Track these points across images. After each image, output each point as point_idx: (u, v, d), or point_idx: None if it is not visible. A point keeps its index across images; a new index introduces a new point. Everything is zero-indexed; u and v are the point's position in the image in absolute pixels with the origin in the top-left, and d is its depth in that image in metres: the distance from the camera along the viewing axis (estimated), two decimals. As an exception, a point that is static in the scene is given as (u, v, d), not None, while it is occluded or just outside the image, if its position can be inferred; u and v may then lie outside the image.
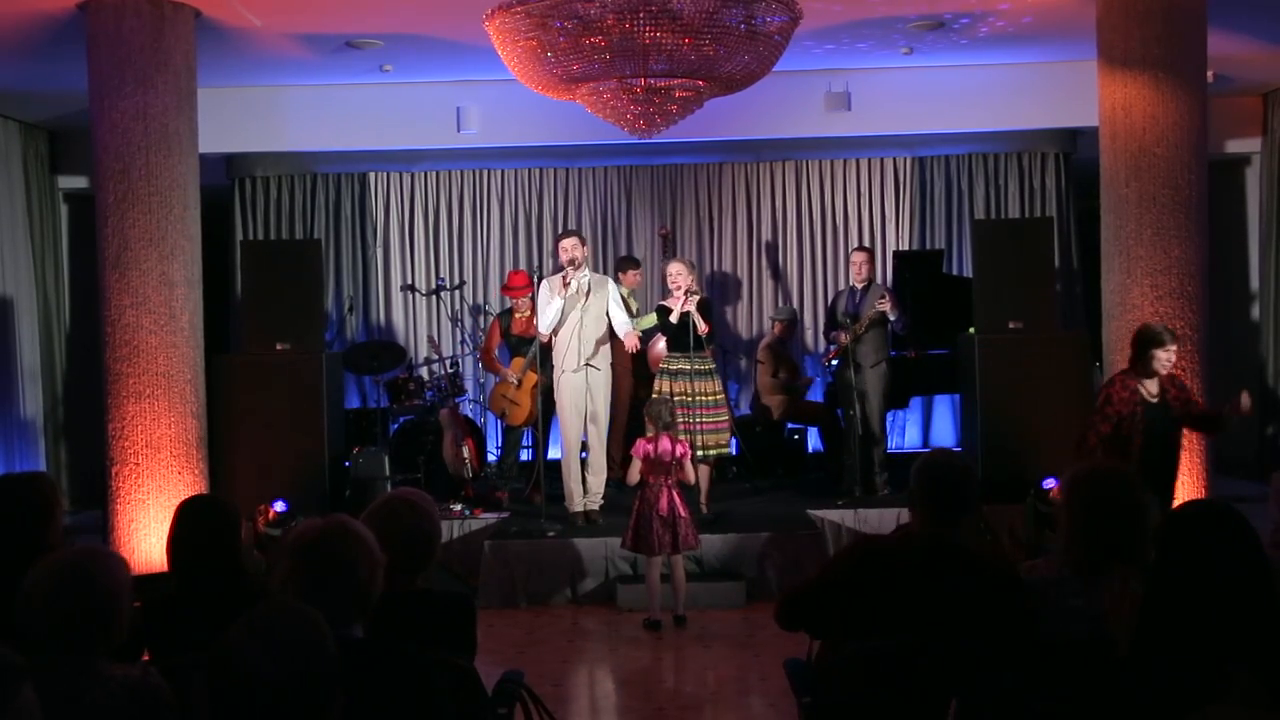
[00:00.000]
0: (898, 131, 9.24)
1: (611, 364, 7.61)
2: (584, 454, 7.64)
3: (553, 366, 7.60)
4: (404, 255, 10.12)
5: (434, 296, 9.70)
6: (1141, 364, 5.76)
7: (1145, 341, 5.75)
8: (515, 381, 8.19)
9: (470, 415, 9.13)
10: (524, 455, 8.85)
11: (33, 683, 2.49)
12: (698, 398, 7.43)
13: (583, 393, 7.43)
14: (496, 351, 8.63)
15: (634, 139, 6.51)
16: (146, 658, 3.19)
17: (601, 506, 7.58)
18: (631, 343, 7.41)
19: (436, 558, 3.36)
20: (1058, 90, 8.66)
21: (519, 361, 8.23)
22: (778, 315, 9.38)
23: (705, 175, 10.12)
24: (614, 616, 6.73)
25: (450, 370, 8.73)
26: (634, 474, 6.45)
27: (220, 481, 7.22)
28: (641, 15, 5.44)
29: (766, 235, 10.13)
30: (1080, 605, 3.13)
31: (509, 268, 9.95)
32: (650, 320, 8.07)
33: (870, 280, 8.12)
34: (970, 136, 9.61)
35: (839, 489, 8.03)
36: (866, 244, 9.84)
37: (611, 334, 7.62)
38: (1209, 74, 7.05)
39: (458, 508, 7.68)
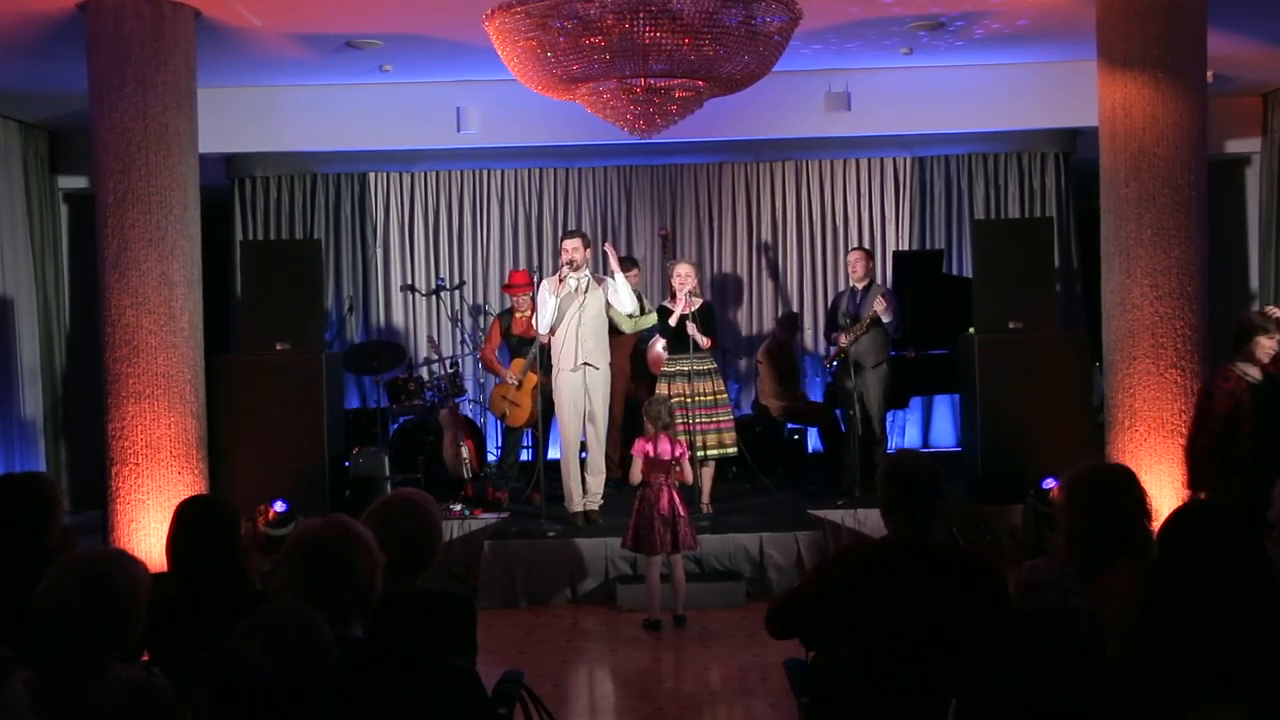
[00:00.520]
0: (898, 131, 9.24)
1: (609, 363, 7.61)
2: (583, 454, 7.64)
3: (551, 366, 7.60)
4: (404, 255, 10.12)
5: (434, 296, 9.70)
6: (1244, 353, 5.59)
7: (1248, 331, 5.57)
8: (515, 383, 8.20)
9: (470, 415, 9.13)
10: (524, 455, 8.85)
11: (32, 679, 2.49)
12: (697, 398, 7.43)
13: (581, 392, 7.43)
14: (496, 352, 8.64)
15: (634, 139, 6.51)
16: (147, 658, 3.19)
17: (601, 506, 7.57)
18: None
19: (437, 558, 3.36)
20: (1058, 90, 8.66)
21: (519, 362, 8.23)
22: (783, 318, 9.40)
23: (705, 175, 10.12)
24: (614, 616, 6.72)
25: (450, 370, 8.73)
26: (635, 473, 6.45)
27: (220, 481, 7.22)
28: (641, 15, 5.44)
29: (766, 235, 10.13)
30: (1080, 605, 3.13)
31: (509, 268, 9.95)
32: (651, 319, 8.07)
33: (870, 280, 8.12)
34: (970, 136, 9.61)
35: (839, 489, 8.03)
36: (866, 244, 9.84)
37: (611, 332, 7.63)
38: (1209, 74, 7.05)
39: (458, 508, 7.68)
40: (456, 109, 8.99)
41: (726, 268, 10.16)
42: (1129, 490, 3.27)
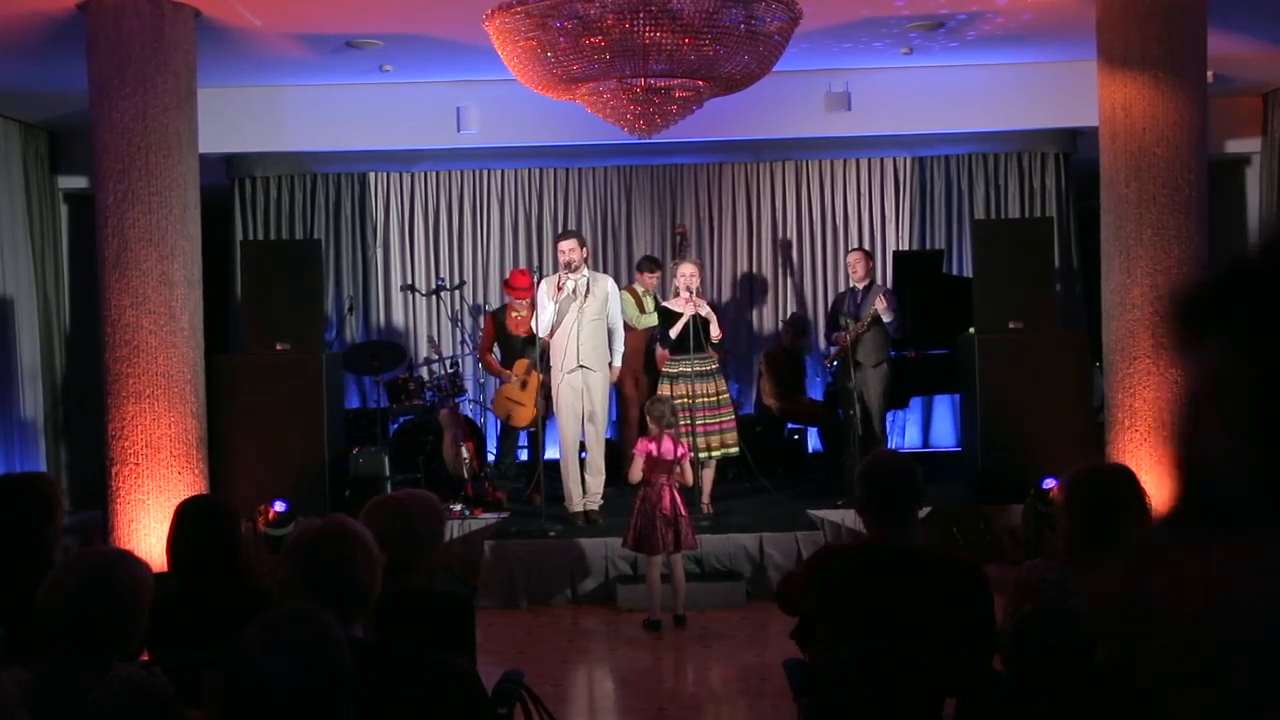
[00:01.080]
0: (898, 131, 9.24)
1: (609, 364, 7.61)
2: (583, 454, 7.64)
3: (550, 367, 7.60)
4: (404, 255, 10.12)
5: (434, 296, 9.70)
6: None
7: None
8: (520, 383, 8.20)
9: (470, 415, 9.13)
10: (521, 455, 8.85)
11: (32, 679, 2.49)
12: (698, 399, 7.44)
13: (579, 394, 7.43)
14: (495, 350, 8.62)
15: (634, 139, 6.51)
16: (147, 657, 3.19)
17: (601, 506, 7.58)
18: (613, 375, 7.58)
19: (434, 558, 3.37)
20: (1058, 90, 8.66)
21: (523, 363, 8.22)
22: (790, 320, 9.41)
23: (705, 175, 10.12)
24: (614, 616, 6.72)
25: (450, 370, 8.73)
26: (636, 472, 6.45)
27: (220, 481, 7.22)
28: (641, 15, 5.45)
29: (766, 235, 10.13)
30: (1080, 605, 3.13)
31: (509, 268, 9.95)
32: (653, 319, 8.08)
33: (871, 281, 8.12)
34: (970, 136, 9.61)
35: (839, 489, 8.02)
36: (866, 244, 9.85)
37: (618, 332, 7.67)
38: (1209, 74, 7.05)
39: (458, 508, 7.68)
40: (456, 109, 8.98)
41: (726, 268, 10.16)
42: (1129, 490, 3.26)
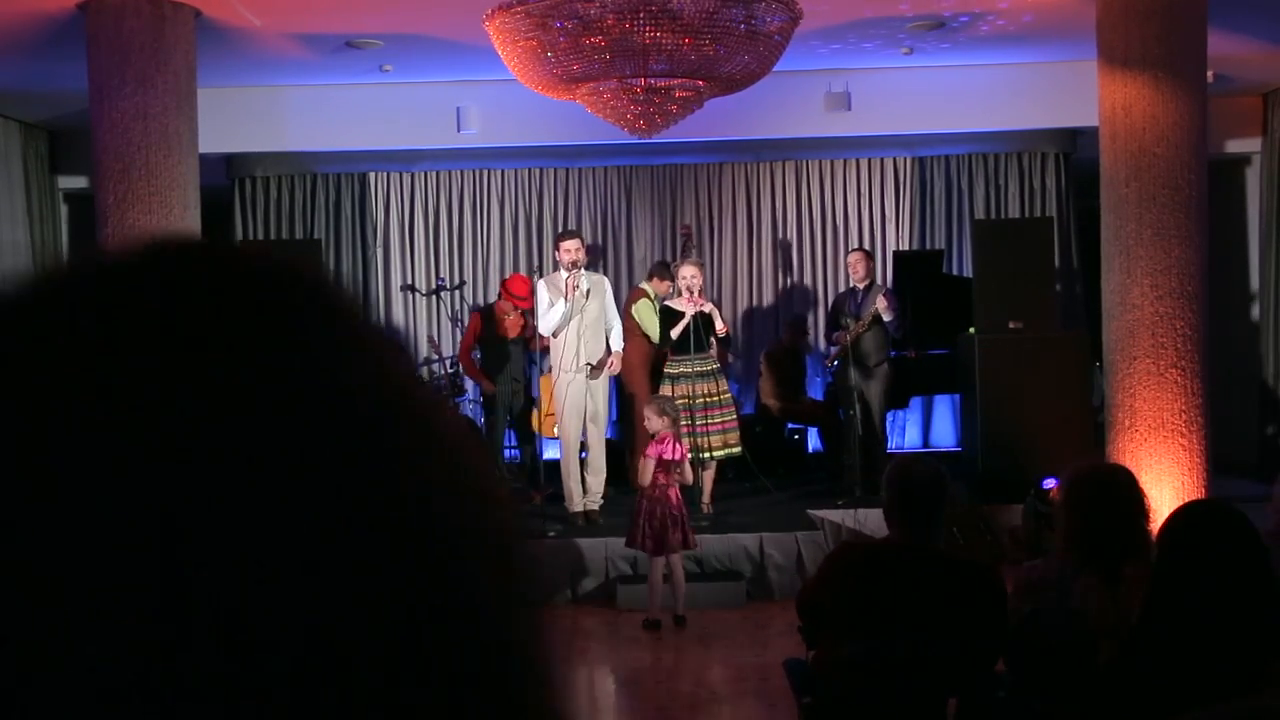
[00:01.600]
0: (898, 131, 9.24)
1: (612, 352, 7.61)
2: (583, 454, 7.64)
3: (550, 367, 7.61)
4: (404, 255, 10.12)
5: (434, 296, 9.70)
6: None
7: None
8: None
9: (470, 415, 9.13)
10: (508, 454, 8.82)
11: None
12: (699, 399, 7.44)
13: (583, 393, 7.43)
14: (476, 351, 8.56)
15: (634, 139, 6.51)
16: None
17: (601, 506, 7.58)
18: (616, 362, 7.55)
19: None
20: (1058, 90, 8.66)
21: (546, 380, 8.13)
22: (791, 320, 9.41)
23: (705, 175, 10.12)
24: (614, 616, 6.72)
25: (450, 370, 8.73)
26: (647, 476, 6.44)
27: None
28: (641, 15, 5.45)
29: (766, 236, 10.13)
30: (1080, 606, 3.13)
31: (509, 268, 9.95)
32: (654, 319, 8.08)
33: (871, 280, 8.12)
34: (970, 136, 9.61)
35: (839, 489, 8.03)
36: (866, 244, 9.84)
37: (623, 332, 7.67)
38: (1209, 74, 7.05)
39: (458, 508, 7.66)
40: (456, 109, 8.98)
41: (726, 268, 10.16)
42: (1128, 490, 3.27)
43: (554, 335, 7.49)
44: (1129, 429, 6.75)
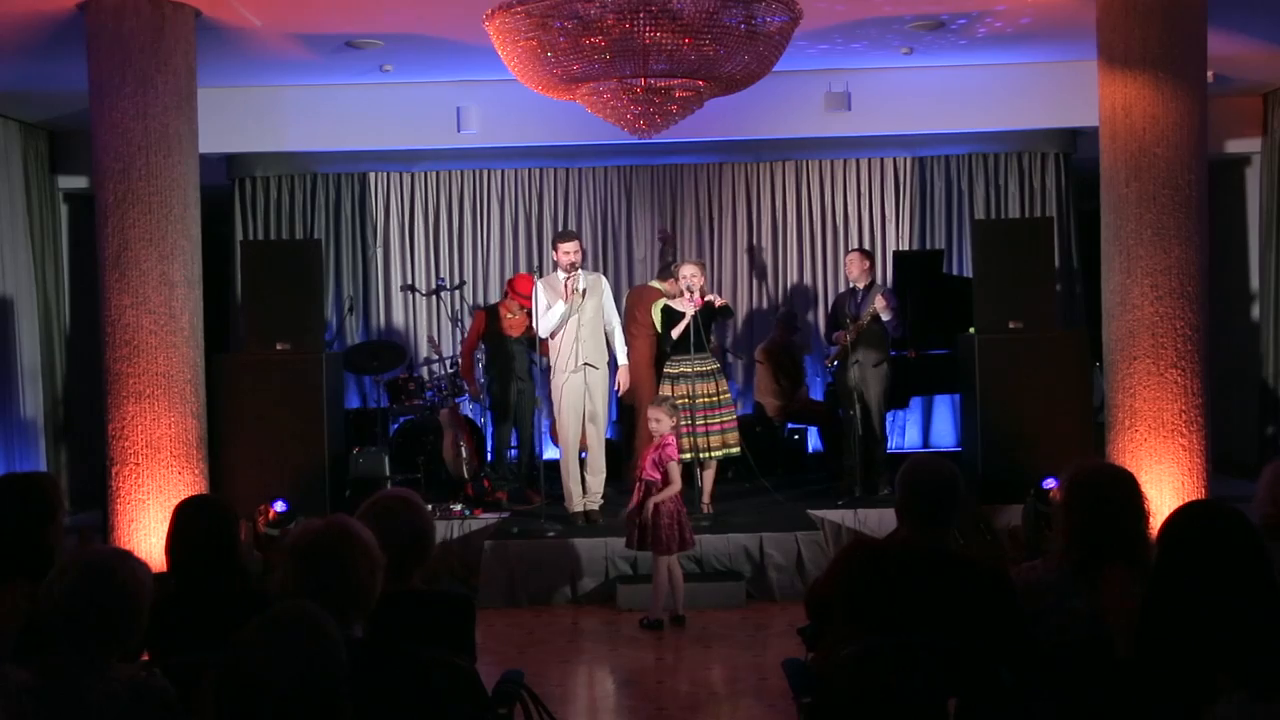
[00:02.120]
0: (898, 131, 9.24)
1: (607, 362, 7.61)
2: (582, 454, 7.64)
3: (549, 368, 7.61)
4: (404, 255, 10.12)
5: (434, 296, 9.70)
6: None
7: None
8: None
9: (470, 415, 9.13)
10: (511, 455, 8.82)
11: (32, 678, 2.49)
12: (699, 399, 7.44)
13: (582, 393, 7.44)
14: (481, 347, 8.55)
15: (634, 139, 6.51)
16: (146, 657, 3.19)
17: (601, 506, 7.58)
18: (625, 376, 7.62)
19: (432, 555, 3.36)
20: (1058, 90, 8.65)
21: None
22: (781, 317, 9.41)
23: (705, 175, 10.12)
24: (614, 616, 6.72)
25: (450, 370, 8.73)
26: (679, 479, 6.51)
27: (220, 481, 7.22)
28: (641, 15, 5.44)
29: (766, 235, 10.13)
30: (1080, 605, 3.13)
31: (509, 268, 9.96)
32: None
33: (871, 280, 8.12)
34: (970, 136, 9.61)
35: (839, 489, 8.03)
36: (866, 244, 9.85)
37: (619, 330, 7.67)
38: (1209, 74, 7.05)
39: (458, 508, 7.68)
40: (456, 109, 8.98)
41: (726, 268, 10.16)
42: (1128, 491, 3.26)
43: (551, 336, 7.50)
44: (1129, 429, 6.74)
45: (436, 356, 8.92)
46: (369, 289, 10.11)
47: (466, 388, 8.63)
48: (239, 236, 9.79)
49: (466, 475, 8.16)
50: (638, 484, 6.52)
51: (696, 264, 7.74)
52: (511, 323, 8.35)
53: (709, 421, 7.50)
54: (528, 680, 3.63)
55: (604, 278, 7.77)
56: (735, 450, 7.65)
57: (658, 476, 6.41)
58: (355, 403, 9.76)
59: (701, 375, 7.50)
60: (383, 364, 9.19)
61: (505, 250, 10.12)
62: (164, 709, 2.57)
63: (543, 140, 9.21)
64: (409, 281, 9.99)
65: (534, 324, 7.57)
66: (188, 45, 6.77)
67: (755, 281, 10.20)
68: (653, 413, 6.64)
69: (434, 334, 9.59)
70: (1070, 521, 3.25)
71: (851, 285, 8.22)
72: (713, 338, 7.92)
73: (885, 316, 7.88)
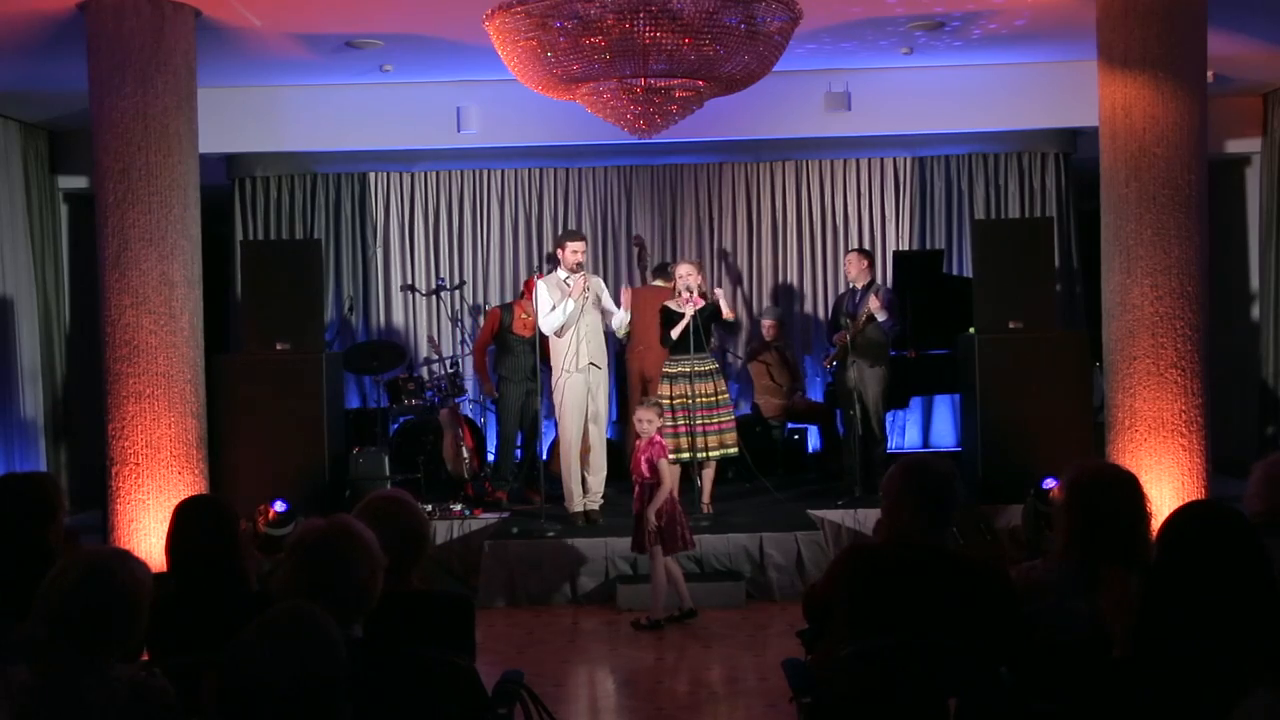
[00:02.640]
0: (898, 131, 9.24)
1: (610, 363, 7.63)
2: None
3: (551, 368, 7.60)
4: (404, 255, 10.12)
5: (434, 296, 9.70)
6: None
7: None
8: None
9: (470, 415, 9.13)
10: (517, 455, 8.83)
11: (31, 678, 2.48)
12: (698, 399, 7.44)
13: (585, 393, 7.44)
14: (493, 345, 8.56)
15: (634, 139, 6.51)
16: (146, 657, 3.19)
17: (601, 506, 7.58)
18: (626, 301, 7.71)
19: (428, 553, 3.37)
20: (1058, 90, 8.66)
21: None
22: (765, 314, 9.40)
23: (705, 175, 10.12)
24: (614, 616, 6.72)
25: (450, 370, 8.73)
26: (675, 478, 6.54)
27: (220, 481, 7.22)
28: (641, 15, 5.44)
29: (766, 235, 10.13)
30: (1080, 605, 3.13)
31: (509, 267, 9.97)
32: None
33: (871, 280, 8.12)
34: (970, 136, 9.61)
35: (839, 489, 8.03)
36: (866, 244, 9.85)
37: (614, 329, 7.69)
38: (1209, 74, 7.05)
39: (458, 508, 7.68)
40: (456, 109, 8.98)
41: (727, 268, 10.15)
42: (1128, 491, 3.26)
43: (558, 335, 7.49)
44: (1129, 429, 6.75)
45: (436, 356, 8.92)
46: (369, 289, 10.11)
47: (481, 385, 8.60)
48: (239, 236, 9.79)
49: (466, 475, 8.16)
50: (636, 487, 6.52)
51: (692, 263, 7.74)
52: (525, 323, 8.34)
53: (707, 421, 7.50)
54: (528, 680, 3.63)
55: (597, 277, 7.84)
56: (733, 450, 7.65)
57: (650, 476, 6.43)
58: (355, 403, 9.75)
59: (701, 375, 7.50)
60: (383, 364, 9.19)
61: (505, 250, 10.11)
62: (164, 709, 2.57)
63: (543, 140, 9.21)
64: (409, 281, 9.99)
65: (538, 324, 7.56)
66: (188, 45, 6.77)
67: (755, 282, 10.18)
68: (641, 414, 6.65)
69: (434, 334, 9.60)
70: (1070, 522, 3.25)
71: (851, 285, 8.22)
72: (713, 338, 7.92)
73: (880, 317, 7.88)
